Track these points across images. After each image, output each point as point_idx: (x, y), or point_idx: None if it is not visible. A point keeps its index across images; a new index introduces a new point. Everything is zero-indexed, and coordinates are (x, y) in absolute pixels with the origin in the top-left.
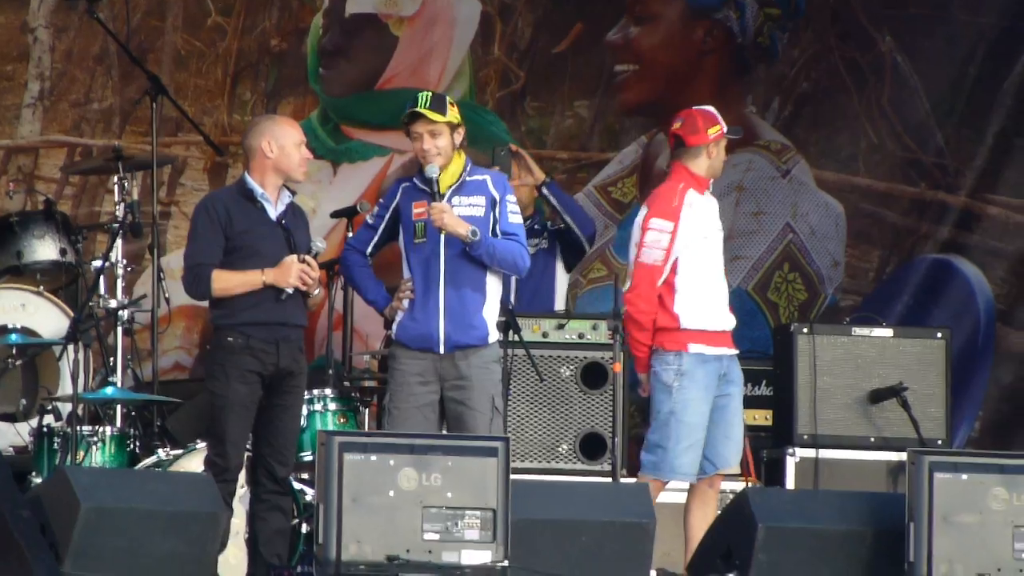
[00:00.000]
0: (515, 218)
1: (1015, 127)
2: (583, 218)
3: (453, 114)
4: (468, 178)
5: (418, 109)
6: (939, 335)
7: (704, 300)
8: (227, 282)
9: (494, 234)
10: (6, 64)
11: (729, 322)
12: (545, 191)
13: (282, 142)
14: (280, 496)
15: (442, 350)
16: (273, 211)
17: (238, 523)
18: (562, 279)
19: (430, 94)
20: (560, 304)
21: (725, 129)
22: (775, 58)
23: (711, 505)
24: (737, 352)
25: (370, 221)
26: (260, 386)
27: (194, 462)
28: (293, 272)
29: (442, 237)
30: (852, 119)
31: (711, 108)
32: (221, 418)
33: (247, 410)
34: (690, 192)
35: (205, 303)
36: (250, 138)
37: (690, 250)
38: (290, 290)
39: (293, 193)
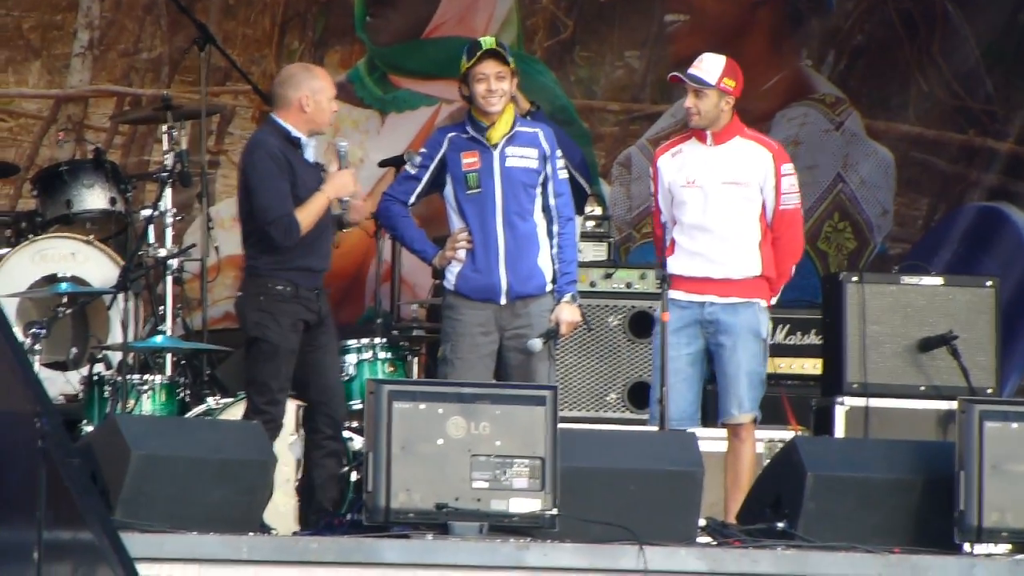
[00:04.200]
0: (563, 173)
1: None
2: (569, 145)
3: (513, 63)
4: (519, 129)
5: (496, 47)
6: (988, 283)
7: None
8: (308, 218)
9: (545, 191)
10: (56, 13)
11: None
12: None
13: (318, 97)
14: (336, 442)
15: (504, 300)
16: (311, 155)
17: (287, 471)
18: None
19: (494, 39)
20: None
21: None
22: (829, 10)
23: (740, 455)
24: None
25: (412, 171)
26: (302, 334)
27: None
28: (348, 180)
29: (497, 188)
30: (903, 69)
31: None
32: (272, 365)
33: (294, 356)
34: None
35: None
36: (286, 88)
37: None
38: (347, 198)
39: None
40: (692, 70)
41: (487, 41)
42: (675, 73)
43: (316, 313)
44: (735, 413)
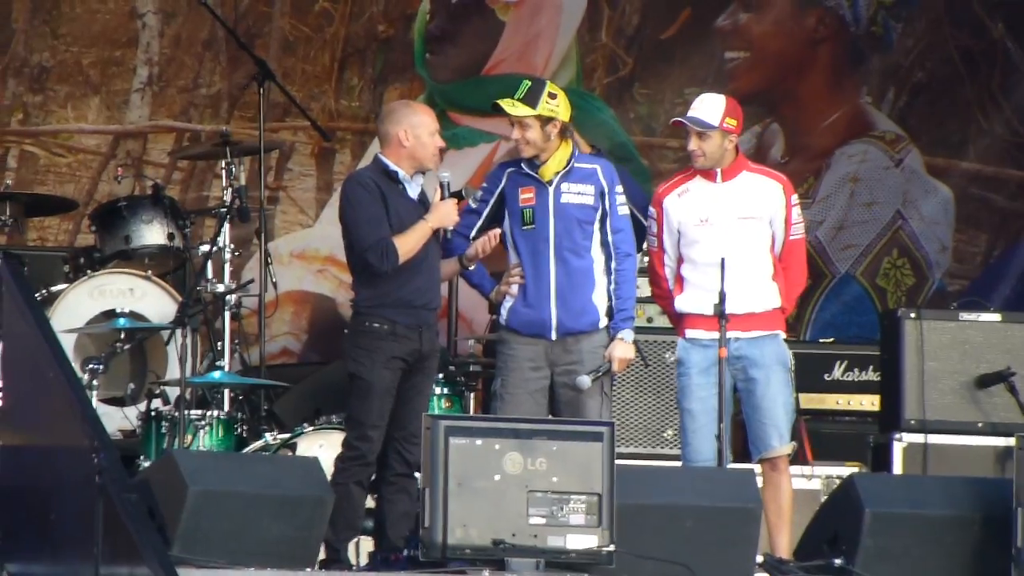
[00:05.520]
0: (623, 209)
1: None
2: (629, 184)
3: (547, 107)
4: (576, 165)
5: (500, 101)
6: None
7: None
8: (407, 244)
9: (604, 228)
10: (115, 50)
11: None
12: None
13: (418, 132)
14: (408, 479)
15: (554, 336)
16: (413, 191)
17: None
18: None
19: (528, 84)
20: None
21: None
22: (890, 48)
23: (781, 488)
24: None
25: (473, 206)
26: (401, 372)
27: (302, 446)
28: (451, 210)
29: (551, 224)
30: (963, 106)
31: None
32: (366, 403)
33: (389, 395)
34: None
35: (312, 288)
36: (387, 124)
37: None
38: (451, 227)
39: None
40: (692, 113)
41: (521, 87)
42: (677, 118)
43: (417, 352)
44: (776, 445)
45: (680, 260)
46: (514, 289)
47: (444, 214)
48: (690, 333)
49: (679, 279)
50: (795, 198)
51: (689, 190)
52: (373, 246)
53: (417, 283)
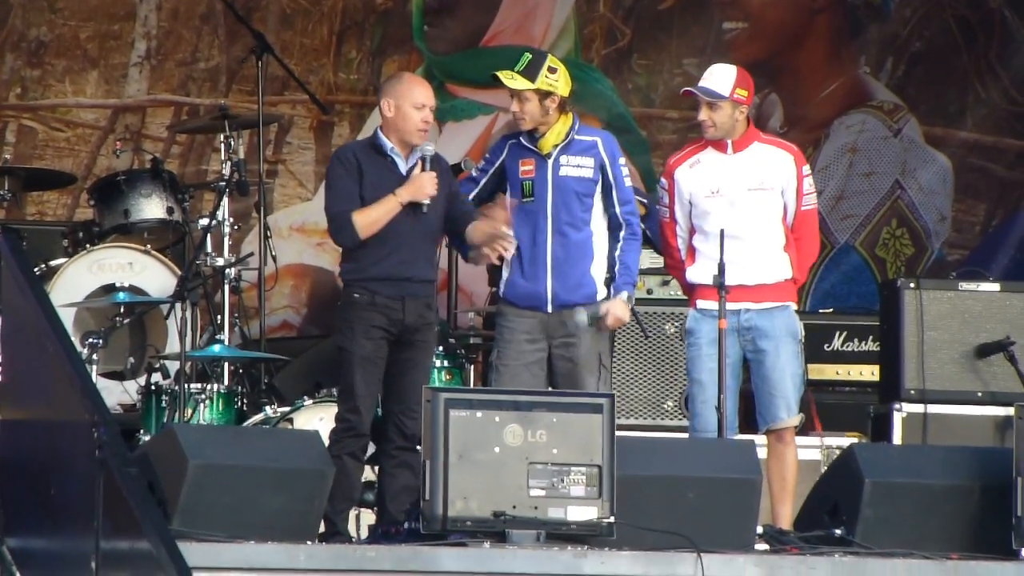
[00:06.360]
0: (627, 181)
1: None
2: None
3: (546, 81)
4: (576, 137)
5: (499, 73)
6: None
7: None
8: (367, 217)
9: (609, 200)
10: (113, 23)
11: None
12: None
13: (399, 102)
14: (409, 453)
15: (550, 308)
16: (403, 165)
17: None
18: None
19: (529, 57)
20: None
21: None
22: (888, 17)
23: (786, 459)
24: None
25: (474, 174)
26: (386, 343)
27: (302, 419)
28: (426, 182)
29: (549, 197)
30: (961, 75)
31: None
32: (349, 373)
33: (374, 365)
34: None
35: (311, 262)
36: (380, 94)
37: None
38: (427, 200)
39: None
40: (703, 83)
41: (521, 59)
42: (687, 88)
43: (400, 323)
44: (784, 417)
45: (692, 231)
46: (494, 256)
47: (418, 187)
48: (700, 304)
49: (691, 250)
50: (807, 168)
51: (700, 161)
52: (332, 219)
53: (401, 256)
